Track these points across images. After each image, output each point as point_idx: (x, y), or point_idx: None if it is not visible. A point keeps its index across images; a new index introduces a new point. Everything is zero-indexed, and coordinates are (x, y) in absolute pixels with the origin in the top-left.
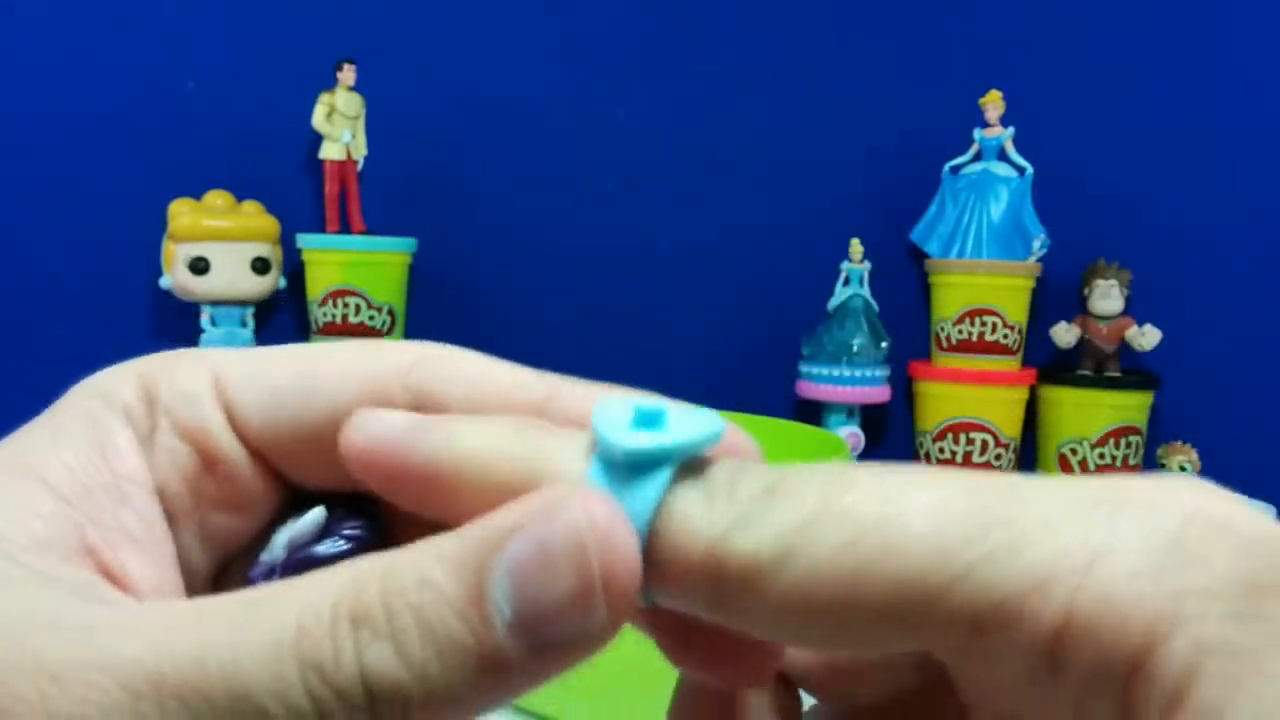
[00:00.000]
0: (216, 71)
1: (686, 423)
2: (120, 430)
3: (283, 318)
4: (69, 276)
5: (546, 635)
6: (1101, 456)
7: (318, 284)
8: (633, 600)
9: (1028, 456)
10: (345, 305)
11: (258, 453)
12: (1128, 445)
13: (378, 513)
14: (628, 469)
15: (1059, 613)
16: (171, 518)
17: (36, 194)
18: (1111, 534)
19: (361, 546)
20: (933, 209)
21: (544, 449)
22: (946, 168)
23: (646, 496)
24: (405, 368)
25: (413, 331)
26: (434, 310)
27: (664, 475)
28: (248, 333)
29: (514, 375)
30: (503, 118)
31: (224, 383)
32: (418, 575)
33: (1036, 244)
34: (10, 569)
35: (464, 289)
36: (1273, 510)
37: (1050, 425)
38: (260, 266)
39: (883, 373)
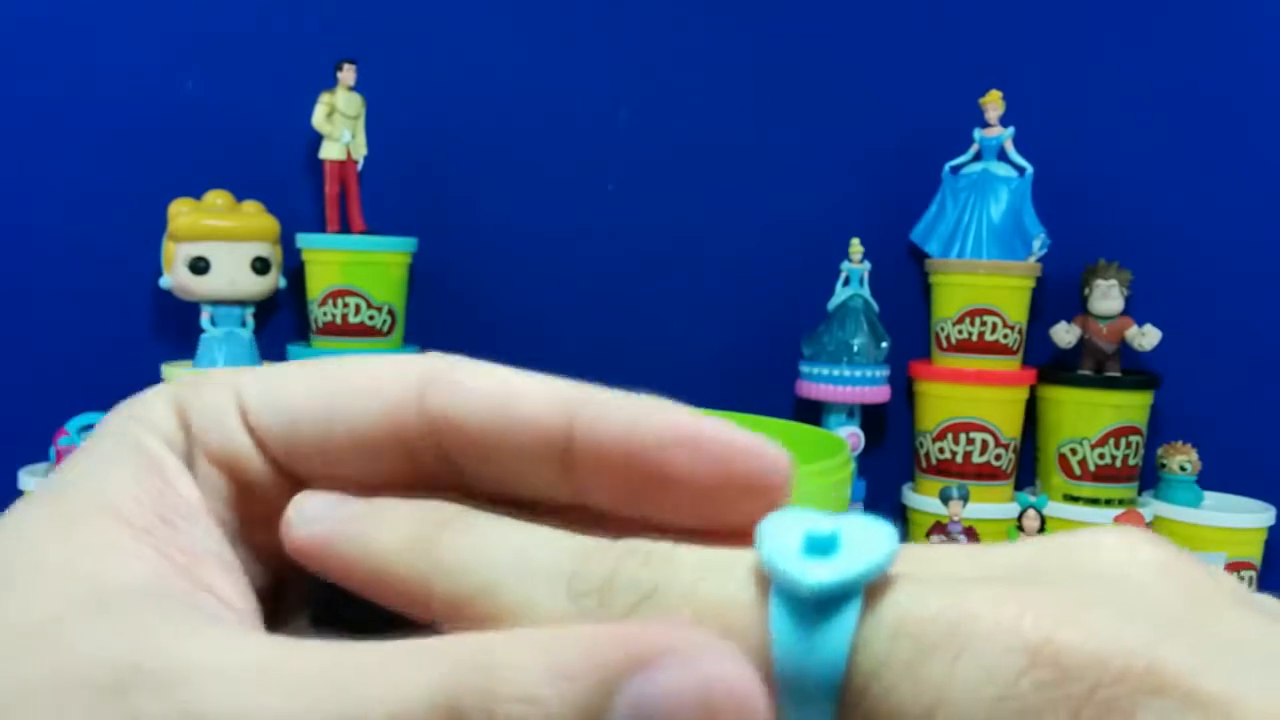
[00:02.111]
0: (216, 71)
1: (861, 542)
2: (170, 457)
3: (283, 317)
4: (69, 276)
5: None
6: (1101, 456)
7: (318, 284)
8: None
9: (1028, 457)
10: (345, 305)
11: (281, 466)
12: (1128, 445)
13: None
14: (813, 607)
15: None
16: (225, 533)
17: (37, 194)
18: (948, 682)
19: None
20: (933, 209)
21: (443, 565)
22: (946, 168)
23: (837, 640)
24: (420, 387)
25: (412, 331)
26: (434, 310)
27: (852, 612)
28: (247, 333)
29: (535, 391)
30: (503, 118)
31: (246, 403)
32: (523, 688)
33: (1036, 244)
34: (129, 606)
35: (464, 289)
36: (1273, 511)
37: (1050, 425)
38: (260, 266)
39: (883, 373)
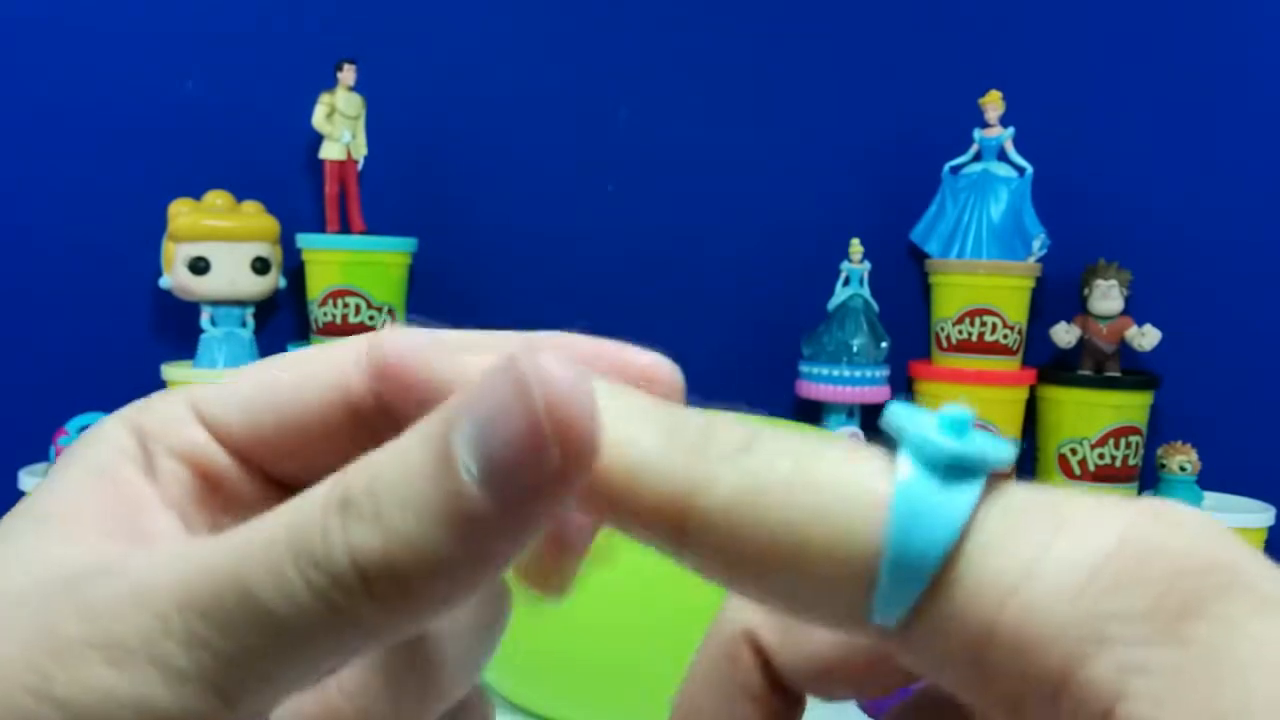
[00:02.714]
0: (216, 71)
1: (985, 436)
2: (124, 464)
3: (283, 318)
4: (69, 276)
5: (510, 482)
6: (1101, 457)
7: (318, 284)
8: (589, 441)
9: (1028, 457)
10: (345, 305)
11: (249, 461)
12: (1128, 445)
13: None
14: (944, 473)
15: (984, 626)
16: (188, 530)
17: (37, 194)
18: (1045, 553)
19: None
20: (933, 209)
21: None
22: (946, 168)
23: (962, 504)
24: (361, 352)
25: None
26: (434, 310)
27: (977, 485)
28: (247, 333)
29: (470, 341)
30: (503, 118)
31: (200, 406)
32: (394, 456)
33: (1036, 244)
34: (82, 571)
35: (464, 289)
36: (1273, 511)
37: (1050, 425)
38: (260, 266)
39: (883, 373)
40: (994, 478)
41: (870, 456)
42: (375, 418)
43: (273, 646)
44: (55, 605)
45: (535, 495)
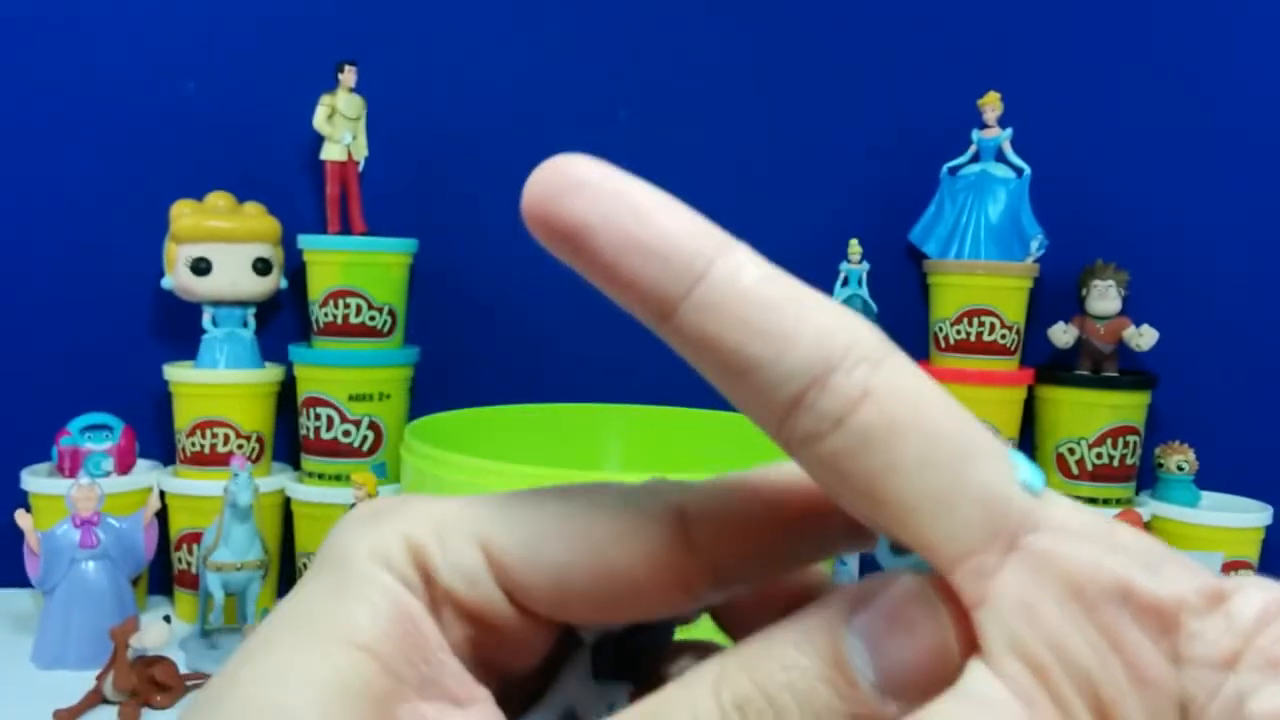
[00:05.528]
0: (218, 73)
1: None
2: (415, 603)
3: (284, 318)
4: (70, 276)
5: (908, 686)
6: (1099, 456)
7: (319, 284)
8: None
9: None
10: (346, 306)
11: (530, 607)
12: (1125, 445)
13: (650, 643)
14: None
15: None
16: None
17: (38, 194)
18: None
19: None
20: (931, 210)
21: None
22: (945, 169)
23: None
24: (679, 516)
25: (413, 332)
26: (434, 310)
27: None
28: (248, 333)
29: (790, 490)
30: (503, 118)
31: (500, 559)
32: (777, 660)
33: (1034, 244)
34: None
35: (464, 289)
36: (1270, 510)
37: (1048, 425)
38: (262, 267)
39: None
40: None
41: None
42: (699, 582)
43: None
44: None
45: (930, 692)
